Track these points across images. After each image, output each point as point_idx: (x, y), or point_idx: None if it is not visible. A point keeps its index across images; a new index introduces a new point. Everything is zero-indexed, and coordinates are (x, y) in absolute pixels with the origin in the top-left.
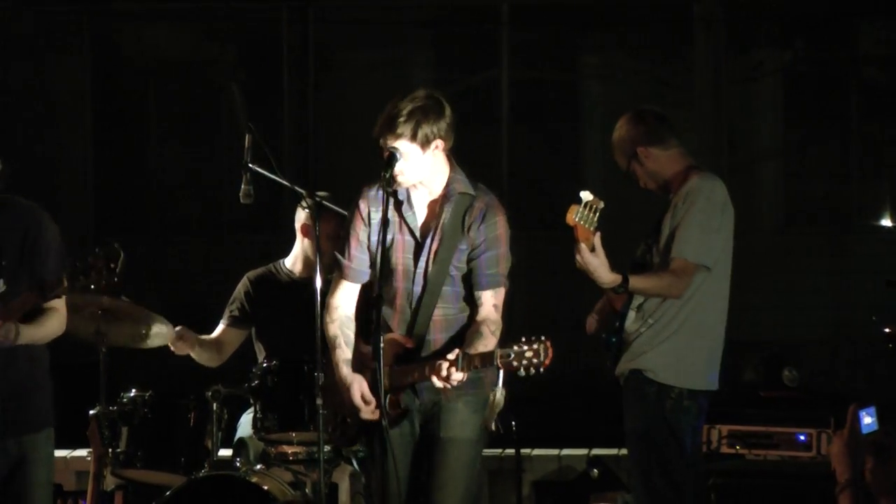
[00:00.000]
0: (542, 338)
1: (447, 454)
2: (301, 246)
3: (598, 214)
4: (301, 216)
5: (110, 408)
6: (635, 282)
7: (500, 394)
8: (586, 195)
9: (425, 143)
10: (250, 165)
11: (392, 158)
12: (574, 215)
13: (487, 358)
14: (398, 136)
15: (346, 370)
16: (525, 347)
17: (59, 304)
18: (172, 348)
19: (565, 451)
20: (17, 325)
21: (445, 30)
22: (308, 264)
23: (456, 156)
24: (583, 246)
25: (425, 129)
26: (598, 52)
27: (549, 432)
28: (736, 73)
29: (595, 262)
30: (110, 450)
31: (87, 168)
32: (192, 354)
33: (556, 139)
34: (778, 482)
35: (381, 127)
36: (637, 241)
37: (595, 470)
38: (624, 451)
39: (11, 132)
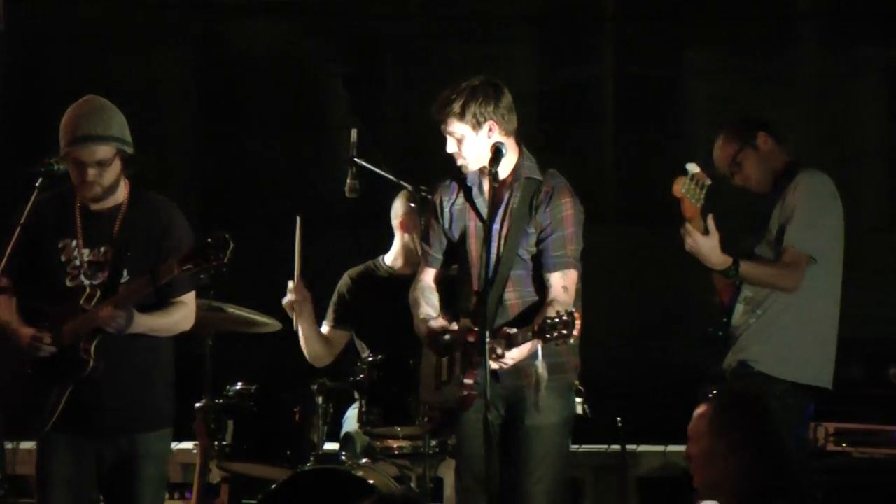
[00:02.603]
0: (571, 310)
1: (534, 441)
2: (401, 241)
3: (704, 190)
4: (398, 211)
5: (216, 401)
6: (746, 267)
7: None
8: (692, 167)
9: (476, 125)
10: (356, 160)
11: (498, 153)
12: (682, 187)
13: (526, 334)
14: (448, 116)
15: (423, 325)
16: (556, 319)
17: (188, 299)
18: (287, 306)
19: (671, 448)
20: (132, 311)
21: (548, 24)
22: (409, 259)
23: (559, 152)
24: (691, 227)
25: (473, 109)
26: (702, 47)
27: (654, 428)
28: (841, 70)
29: (708, 244)
30: (216, 443)
31: (193, 163)
32: (302, 338)
33: (661, 136)
34: (884, 480)
35: (435, 107)
36: (738, 235)
37: None
38: None
39: None
